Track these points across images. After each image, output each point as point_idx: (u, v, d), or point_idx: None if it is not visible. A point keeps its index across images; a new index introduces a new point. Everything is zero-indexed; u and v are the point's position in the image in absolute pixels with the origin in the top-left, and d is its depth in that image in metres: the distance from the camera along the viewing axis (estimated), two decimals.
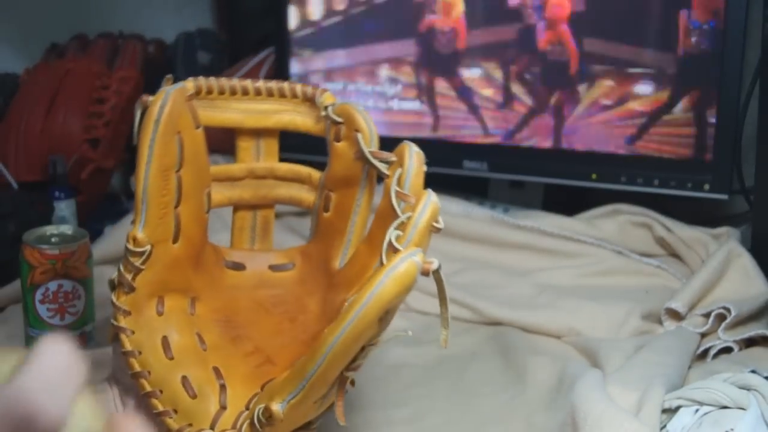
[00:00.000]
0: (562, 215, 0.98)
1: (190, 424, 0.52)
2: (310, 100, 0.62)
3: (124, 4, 1.34)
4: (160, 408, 0.52)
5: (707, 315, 0.77)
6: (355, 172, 0.58)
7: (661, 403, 0.59)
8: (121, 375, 0.56)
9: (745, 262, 0.82)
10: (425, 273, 0.45)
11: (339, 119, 0.58)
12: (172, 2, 1.37)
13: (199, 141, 0.56)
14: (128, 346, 0.53)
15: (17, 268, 0.73)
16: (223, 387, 0.53)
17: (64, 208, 1.00)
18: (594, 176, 0.99)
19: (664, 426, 0.58)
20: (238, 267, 0.63)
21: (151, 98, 0.52)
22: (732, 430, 0.54)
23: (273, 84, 0.62)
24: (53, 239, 0.74)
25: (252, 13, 1.35)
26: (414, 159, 0.50)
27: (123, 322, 0.53)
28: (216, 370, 0.54)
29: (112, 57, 1.14)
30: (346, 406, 0.67)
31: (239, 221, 0.65)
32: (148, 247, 0.52)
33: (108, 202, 1.14)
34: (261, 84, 0.61)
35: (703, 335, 0.77)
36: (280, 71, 1.16)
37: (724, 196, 0.93)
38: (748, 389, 0.57)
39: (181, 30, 1.27)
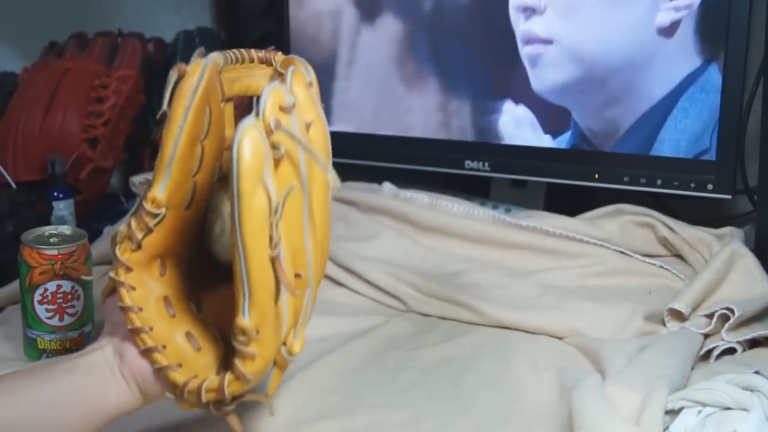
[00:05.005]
0: (564, 215, 0.97)
1: (196, 376, 0.53)
2: (266, 63, 0.61)
3: (124, 3, 1.34)
4: (164, 363, 0.53)
5: (710, 316, 0.76)
6: None
7: (664, 405, 0.58)
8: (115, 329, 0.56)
9: (749, 262, 0.82)
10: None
11: (282, 71, 0.57)
12: (172, 1, 1.37)
13: (222, 114, 0.56)
14: (128, 302, 0.53)
15: (16, 269, 0.73)
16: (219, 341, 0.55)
17: (63, 207, 1.00)
18: (596, 176, 0.98)
19: (667, 427, 0.57)
20: None
21: (187, 67, 0.52)
22: (735, 431, 0.54)
23: (253, 52, 0.61)
24: (52, 239, 0.73)
25: (252, 12, 1.35)
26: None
27: (124, 277, 0.53)
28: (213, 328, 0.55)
29: (111, 56, 1.14)
30: (343, 407, 0.67)
31: None
32: (163, 210, 0.52)
33: (107, 201, 1.14)
34: (254, 53, 0.60)
35: (707, 336, 0.76)
36: None
37: (728, 196, 0.93)
38: (752, 390, 0.57)
39: (181, 29, 1.27)
